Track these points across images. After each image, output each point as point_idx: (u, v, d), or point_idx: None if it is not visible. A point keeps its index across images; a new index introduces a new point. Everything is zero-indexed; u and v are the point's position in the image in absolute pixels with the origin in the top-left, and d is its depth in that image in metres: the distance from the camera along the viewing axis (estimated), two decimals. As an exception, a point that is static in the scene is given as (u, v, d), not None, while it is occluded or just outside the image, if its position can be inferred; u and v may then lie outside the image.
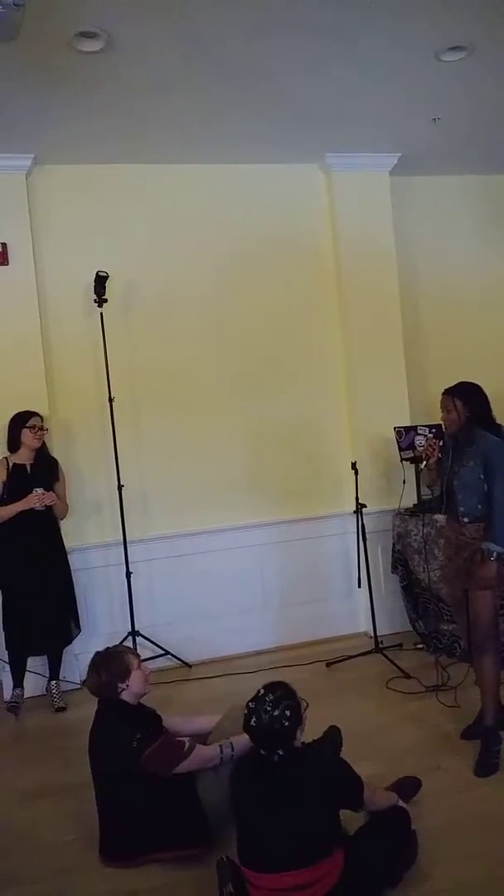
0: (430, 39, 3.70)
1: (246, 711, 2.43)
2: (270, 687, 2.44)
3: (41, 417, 4.42)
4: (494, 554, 3.21)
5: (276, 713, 2.35)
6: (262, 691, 2.44)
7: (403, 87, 4.18)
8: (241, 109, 4.29)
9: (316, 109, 4.37)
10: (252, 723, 2.39)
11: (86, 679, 3.06)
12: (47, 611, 4.29)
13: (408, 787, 2.97)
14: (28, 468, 4.38)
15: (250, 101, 4.19)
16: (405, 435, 4.89)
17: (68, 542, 4.55)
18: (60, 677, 4.45)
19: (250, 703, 2.42)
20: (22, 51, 3.33)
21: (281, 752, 2.37)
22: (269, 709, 2.37)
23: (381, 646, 4.70)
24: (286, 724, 2.35)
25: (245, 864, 2.39)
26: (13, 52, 3.30)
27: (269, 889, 2.32)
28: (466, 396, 3.41)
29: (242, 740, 2.66)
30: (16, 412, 4.38)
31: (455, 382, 3.49)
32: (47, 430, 4.47)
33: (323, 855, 2.32)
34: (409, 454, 4.81)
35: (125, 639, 4.65)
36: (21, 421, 4.36)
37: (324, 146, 4.95)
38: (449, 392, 3.47)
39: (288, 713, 2.37)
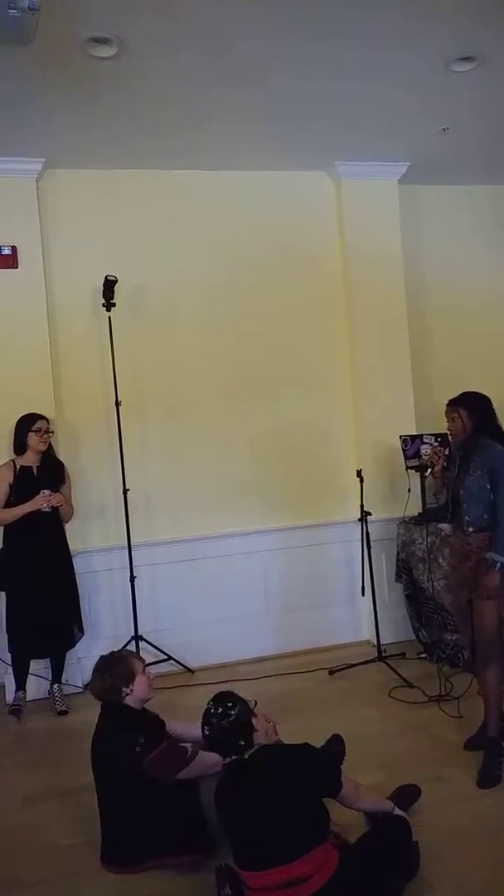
0: (441, 49, 3.71)
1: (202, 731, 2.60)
2: (213, 698, 2.62)
3: (47, 420, 4.42)
4: (498, 564, 3.20)
5: (220, 710, 2.56)
6: (207, 705, 2.61)
7: (413, 97, 4.19)
8: (253, 116, 4.31)
9: (326, 117, 4.38)
10: (206, 732, 2.56)
11: (89, 683, 3.06)
12: (51, 614, 4.28)
13: (407, 794, 2.97)
14: (34, 470, 4.38)
15: (262, 107, 4.21)
16: (411, 443, 4.90)
17: (73, 546, 4.55)
18: (63, 681, 4.45)
19: (201, 722, 2.59)
20: (35, 55, 3.35)
21: (242, 743, 2.50)
22: (212, 712, 2.57)
23: (384, 654, 4.69)
24: (232, 714, 2.53)
25: (240, 867, 2.41)
26: (26, 56, 3.32)
27: (263, 888, 2.33)
28: (471, 407, 3.40)
29: None
30: (22, 414, 4.39)
31: (460, 392, 3.49)
32: (53, 432, 4.47)
33: (309, 846, 2.33)
34: (415, 462, 4.81)
35: (128, 643, 4.65)
36: (27, 423, 4.37)
37: (333, 154, 4.97)
38: (453, 402, 3.47)
39: (230, 704, 2.57)
